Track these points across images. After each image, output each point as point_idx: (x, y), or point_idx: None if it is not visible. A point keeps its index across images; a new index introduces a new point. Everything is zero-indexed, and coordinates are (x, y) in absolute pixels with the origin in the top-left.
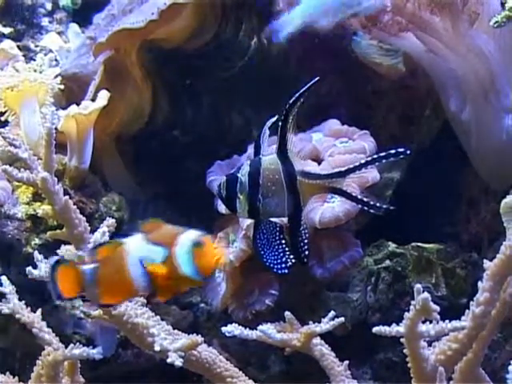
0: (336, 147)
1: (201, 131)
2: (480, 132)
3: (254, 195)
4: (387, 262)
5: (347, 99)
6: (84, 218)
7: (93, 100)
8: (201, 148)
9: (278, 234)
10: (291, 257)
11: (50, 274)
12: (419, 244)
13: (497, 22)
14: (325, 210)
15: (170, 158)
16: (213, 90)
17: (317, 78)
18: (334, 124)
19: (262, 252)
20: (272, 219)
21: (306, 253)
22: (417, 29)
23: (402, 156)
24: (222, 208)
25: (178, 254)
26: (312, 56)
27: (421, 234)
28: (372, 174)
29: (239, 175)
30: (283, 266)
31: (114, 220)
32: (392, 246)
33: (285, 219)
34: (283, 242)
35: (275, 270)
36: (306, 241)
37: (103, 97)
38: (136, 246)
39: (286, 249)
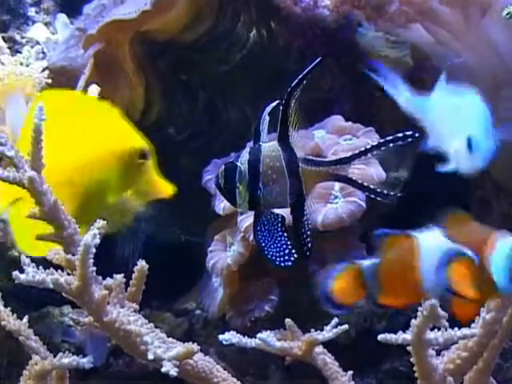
0: (339, 145)
1: (196, 128)
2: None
3: (254, 184)
4: None
5: (351, 94)
6: (73, 220)
7: None
8: (196, 146)
9: (279, 225)
10: (293, 251)
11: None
12: None
13: (509, 13)
14: (327, 211)
15: (164, 157)
16: (209, 84)
17: (320, 58)
18: (337, 120)
19: (263, 244)
20: (274, 210)
21: (309, 245)
22: (425, 19)
23: (410, 139)
24: (219, 209)
25: (493, 261)
26: (314, 49)
27: None
28: (377, 171)
29: (238, 164)
30: (286, 258)
31: (104, 222)
32: None
33: (287, 209)
34: (285, 234)
35: (277, 263)
36: (309, 232)
37: (93, 92)
38: (433, 242)
39: (289, 242)
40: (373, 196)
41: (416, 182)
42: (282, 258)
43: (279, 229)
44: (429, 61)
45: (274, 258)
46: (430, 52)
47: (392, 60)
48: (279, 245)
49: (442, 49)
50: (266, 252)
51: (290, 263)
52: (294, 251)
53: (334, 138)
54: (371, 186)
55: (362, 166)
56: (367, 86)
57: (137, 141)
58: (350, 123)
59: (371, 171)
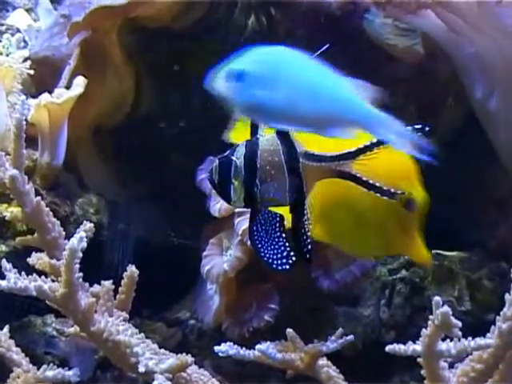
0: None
1: (191, 123)
2: (510, 123)
3: (250, 180)
4: (403, 273)
5: None
6: (58, 222)
7: (67, 87)
8: (191, 142)
9: (278, 224)
10: (292, 253)
11: None
12: (440, 252)
13: None
14: None
15: (156, 154)
16: (205, 75)
17: (325, 47)
18: None
19: (260, 245)
20: (271, 208)
21: (310, 247)
22: (437, 6)
23: (419, 133)
24: (214, 210)
25: None
26: (318, 37)
27: (442, 241)
28: None
29: (234, 158)
30: (284, 261)
31: (91, 224)
32: None
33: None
34: (284, 234)
35: (275, 267)
36: (309, 233)
37: (79, 84)
38: None
39: (287, 243)
40: (379, 194)
41: (426, 181)
42: (279, 261)
43: (277, 229)
44: (441, 50)
45: (270, 260)
46: (442, 41)
47: (401, 49)
48: (277, 246)
49: (455, 37)
50: (263, 254)
51: (287, 267)
52: (292, 254)
53: None
54: (377, 185)
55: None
56: (378, 77)
57: (412, 188)
58: None
59: None
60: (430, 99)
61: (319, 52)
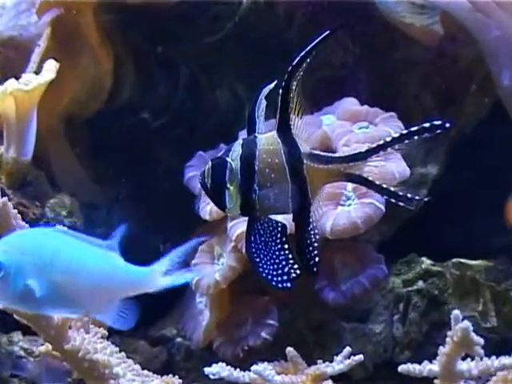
0: (353, 134)
1: (177, 113)
2: None
3: (248, 185)
4: (420, 284)
5: (368, 71)
6: (27, 226)
7: (37, 72)
8: (177, 135)
9: (279, 235)
10: (296, 266)
11: None
12: (462, 260)
13: None
14: (338, 215)
15: (138, 148)
16: (193, 59)
17: (327, 32)
18: (350, 104)
19: (258, 260)
20: (272, 216)
21: (317, 259)
22: None
23: (440, 130)
24: (204, 213)
25: None
26: (321, 16)
27: (464, 247)
28: (400, 168)
29: (229, 159)
30: (285, 278)
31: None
32: (426, 262)
33: (289, 216)
34: (286, 246)
35: (275, 284)
36: (316, 244)
37: (50, 68)
38: None
39: (290, 256)
40: (394, 200)
41: (446, 179)
42: (280, 278)
43: (278, 240)
44: (463, 31)
45: (270, 277)
46: (466, 21)
47: (418, 29)
48: (277, 261)
49: (481, 17)
50: (261, 269)
51: (289, 284)
52: (296, 267)
53: (346, 125)
54: (391, 189)
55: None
56: (389, 59)
57: None
58: (365, 107)
59: (391, 167)
60: (449, 86)
61: (319, 39)
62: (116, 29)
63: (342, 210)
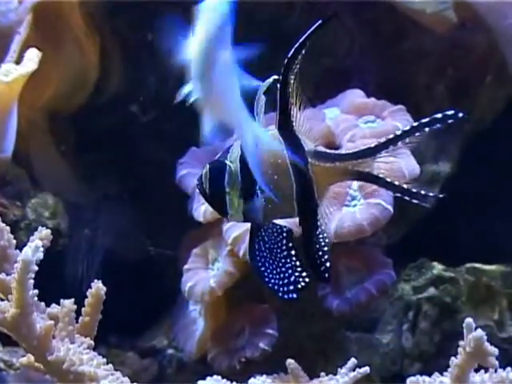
0: (358, 128)
1: (168, 106)
2: None
3: (249, 189)
4: (431, 291)
5: (375, 61)
6: (7, 228)
7: (17, 62)
8: (168, 130)
9: (285, 241)
10: (304, 274)
11: None
12: (476, 265)
13: None
14: (343, 216)
15: (127, 144)
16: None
17: (321, 21)
18: (355, 96)
19: (263, 269)
20: (276, 221)
21: (328, 265)
22: None
23: (452, 121)
24: (198, 214)
25: None
26: (325, 2)
27: (478, 251)
28: (409, 166)
29: (228, 162)
30: (291, 288)
31: (48, 231)
32: (438, 267)
33: (295, 220)
34: (293, 252)
35: (281, 295)
36: (325, 248)
37: (32, 58)
38: None
39: (298, 263)
40: (406, 198)
41: (460, 177)
42: (286, 288)
43: (284, 247)
44: (478, 18)
45: (277, 287)
46: (481, 7)
47: (429, 16)
48: (283, 269)
49: (497, 3)
50: (267, 279)
51: (295, 295)
52: (304, 275)
53: (351, 119)
54: (404, 186)
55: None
56: (397, 48)
57: None
58: (372, 99)
59: (400, 165)
60: (463, 77)
61: (318, 24)
62: (102, 16)
63: (346, 211)
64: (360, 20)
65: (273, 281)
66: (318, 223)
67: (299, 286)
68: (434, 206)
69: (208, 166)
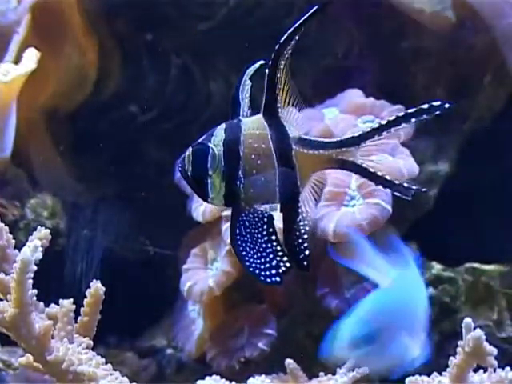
0: (357, 129)
1: (167, 105)
2: None
3: (232, 173)
4: (430, 291)
5: (374, 61)
6: (6, 228)
7: (16, 62)
8: (168, 130)
9: (265, 226)
10: (285, 259)
11: None
12: (475, 265)
13: None
14: (342, 216)
15: (125, 144)
16: (184, 48)
17: (315, 8)
18: (354, 96)
19: (245, 253)
20: (258, 207)
21: (307, 253)
22: None
23: (439, 111)
24: (197, 214)
25: None
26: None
27: (477, 251)
28: (408, 165)
29: (211, 145)
30: (273, 272)
31: (47, 230)
32: (437, 267)
33: (276, 206)
34: (273, 237)
35: (263, 279)
36: (305, 236)
37: (31, 58)
38: None
39: (278, 248)
40: (390, 190)
41: (458, 177)
42: (268, 272)
43: (265, 232)
44: (477, 17)
45: (258, 271)
46: (480, 6)
47: (428, 15)
48: (264, 254)
49: (497, 2)
50: (248, 264)
51: (278, 279)
52: (285, 260)
53: (350, 118)
54: (387, 178)
55: (386, 156)
56: (396, 48)
57: None
58: (371, 99)
59: (399, 164)
60: (462, 77)
61: (310, 13)
62: (102, 15)
63: (345, 211)
64: (359, 18)
65: (254, 265)
66: (300, 211)
67: (280, 271)
68: (432, 207)
69: (191, 149)
